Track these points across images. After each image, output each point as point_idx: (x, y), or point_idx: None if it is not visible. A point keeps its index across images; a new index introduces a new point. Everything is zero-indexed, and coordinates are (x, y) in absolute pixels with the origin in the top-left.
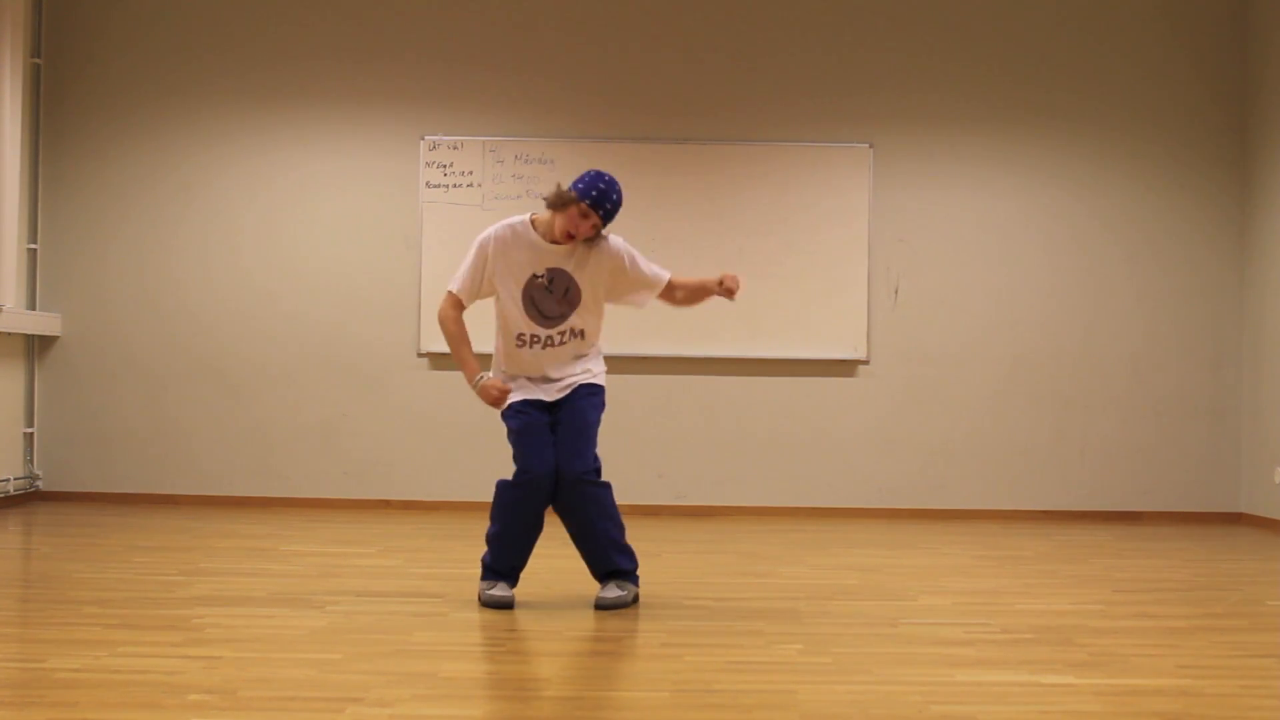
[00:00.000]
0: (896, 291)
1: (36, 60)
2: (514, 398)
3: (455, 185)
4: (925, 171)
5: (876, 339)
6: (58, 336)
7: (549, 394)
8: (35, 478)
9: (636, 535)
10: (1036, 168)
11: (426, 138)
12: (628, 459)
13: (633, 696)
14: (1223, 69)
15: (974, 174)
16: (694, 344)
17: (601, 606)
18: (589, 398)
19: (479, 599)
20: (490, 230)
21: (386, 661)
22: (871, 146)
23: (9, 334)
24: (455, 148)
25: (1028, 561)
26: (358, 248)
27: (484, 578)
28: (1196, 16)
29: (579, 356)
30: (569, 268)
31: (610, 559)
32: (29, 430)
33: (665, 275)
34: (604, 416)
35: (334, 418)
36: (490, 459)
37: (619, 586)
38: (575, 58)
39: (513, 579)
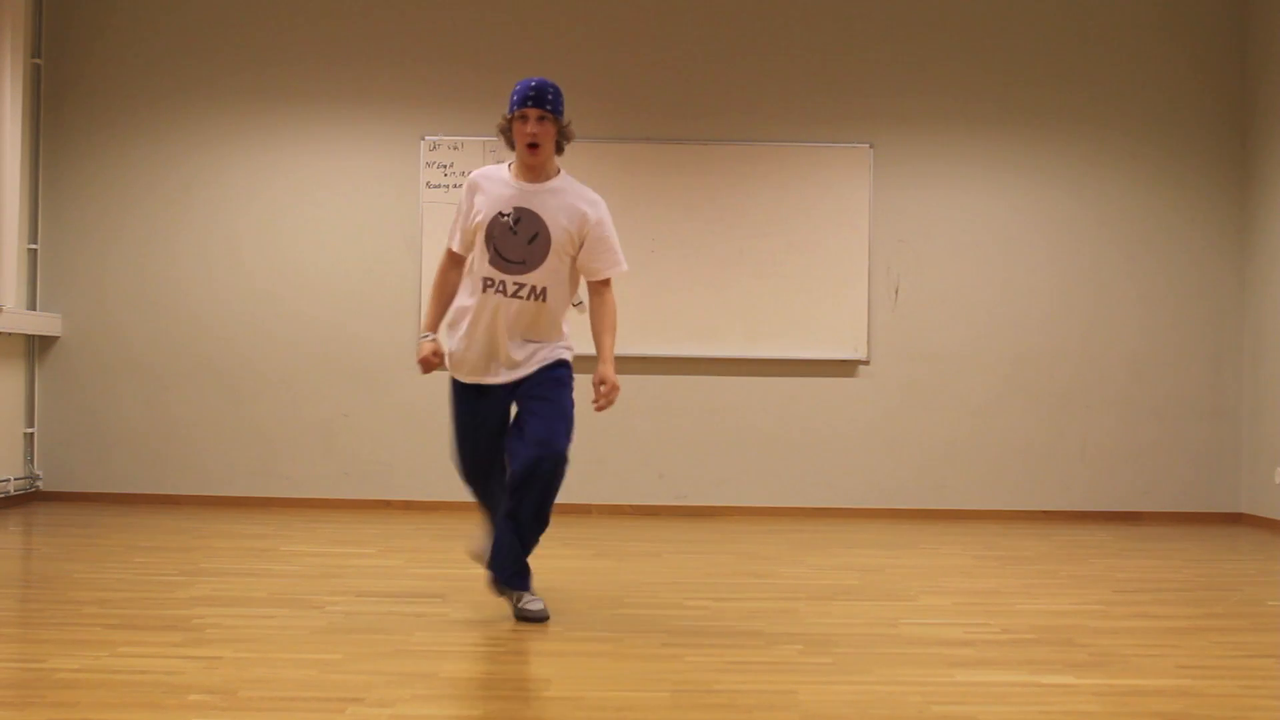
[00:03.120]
0: (897, 291)
1: (36, 60)
2: (453, 374)
3: (455, 185)
4: (925, 171)
5: (876, 339)
6: (58, 336)
7: (499, 375)
8: (35, 478)
9: (637, 535)
10: (1036, 168)
11: (426, 138)
12: (628, 459)
13: (633, 696)
14: (1223, 69)
15: (974, 174)
16: (694, 344)
17: (528, 618)
18: (559, 388)
19: (517, 614)
20: (474, 173)
21: (386, 661)
22: (871, 147)
23: (9, 334)
24: (455, 148)
25: (1028, 562)
26: (358, 248)
27: (513, 587)
28: (1196, 17)
29: (538, 341)
30: (539, 209)
31: (526, 554)
32: (29, 430)
33: (613, 271)
34: (604, 416)
35: (334, 418)
36: None
37: (534, 597)
38: (575, 58)
39: (520, 575)
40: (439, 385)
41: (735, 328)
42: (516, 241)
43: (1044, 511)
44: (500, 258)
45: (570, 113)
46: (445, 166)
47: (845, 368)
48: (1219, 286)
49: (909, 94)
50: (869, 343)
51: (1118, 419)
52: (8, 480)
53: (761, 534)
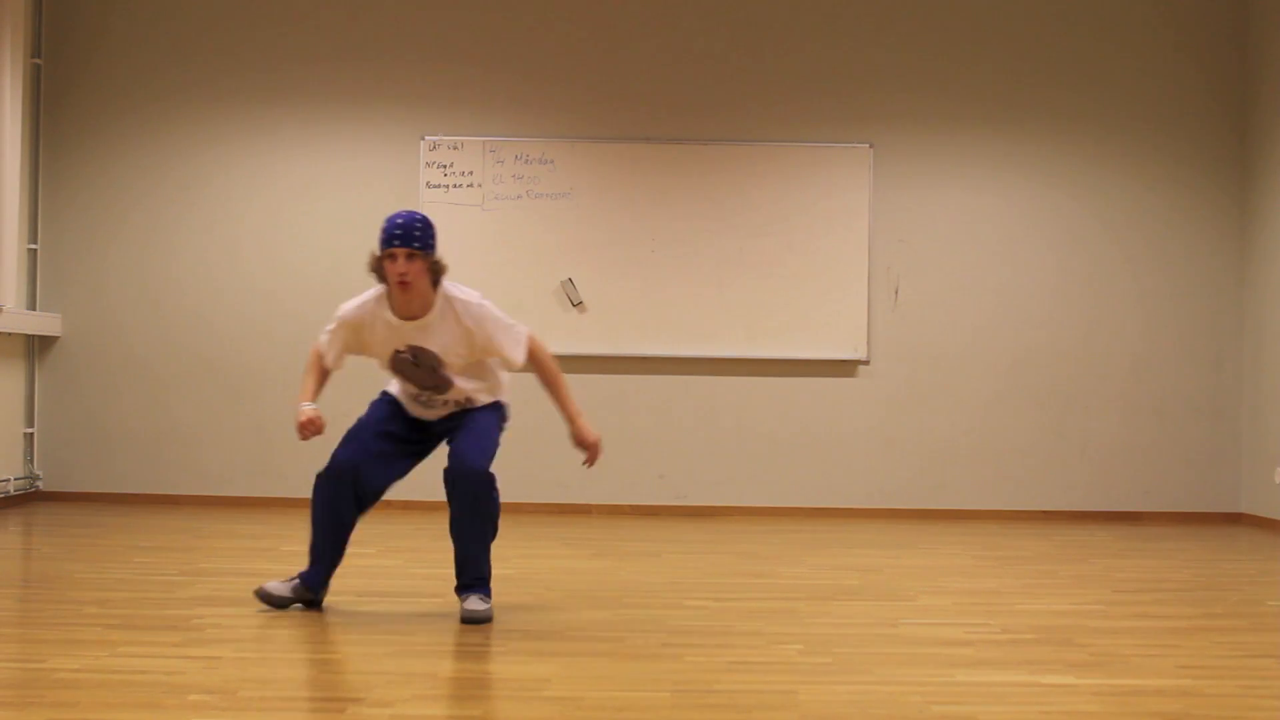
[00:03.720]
0: (897, 292)
1: (36, 60)
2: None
3: (455, 185)
4: (925, 171)
5: (876, 339)
6: (58, 336)
7: (430, 414)
8: (35, 478)
9: (637, 535)
10: (1036, 168)
11: (426, 138)
12: (628, 459)
13: (633, 696)
14: (1223, 69)
15: (974, 174)
16: (694, 344)
17: (470, 620)
18: (486, 416)
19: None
20: (346, 310)
21: (386, 661)
22: (871, 146)
23: (9, 334)
24: (455, 148)
25: (1028, 562)
26: (358, 248)
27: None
28: (1196, 16)
29: (465, 392)
30: (428, 343)
31: (480, 565)
32: (29, 430)
33: (518, 351)
34: (604, 416)
35: (334, 418)
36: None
37: (482, 600)
38: (575, 58)
39: (318, 577)
40: None
41: (735, 328)
42: (422, 374)
43: (1044, 511)
44: (414, 385)
45: (570, 112)
46: (445, 166)
47: (845, 368)
48: (1219, 286)
49: (909, 94)
50: (869, 343)
51: (1118, 419)
52: (8, 480)
53: (761, 534)
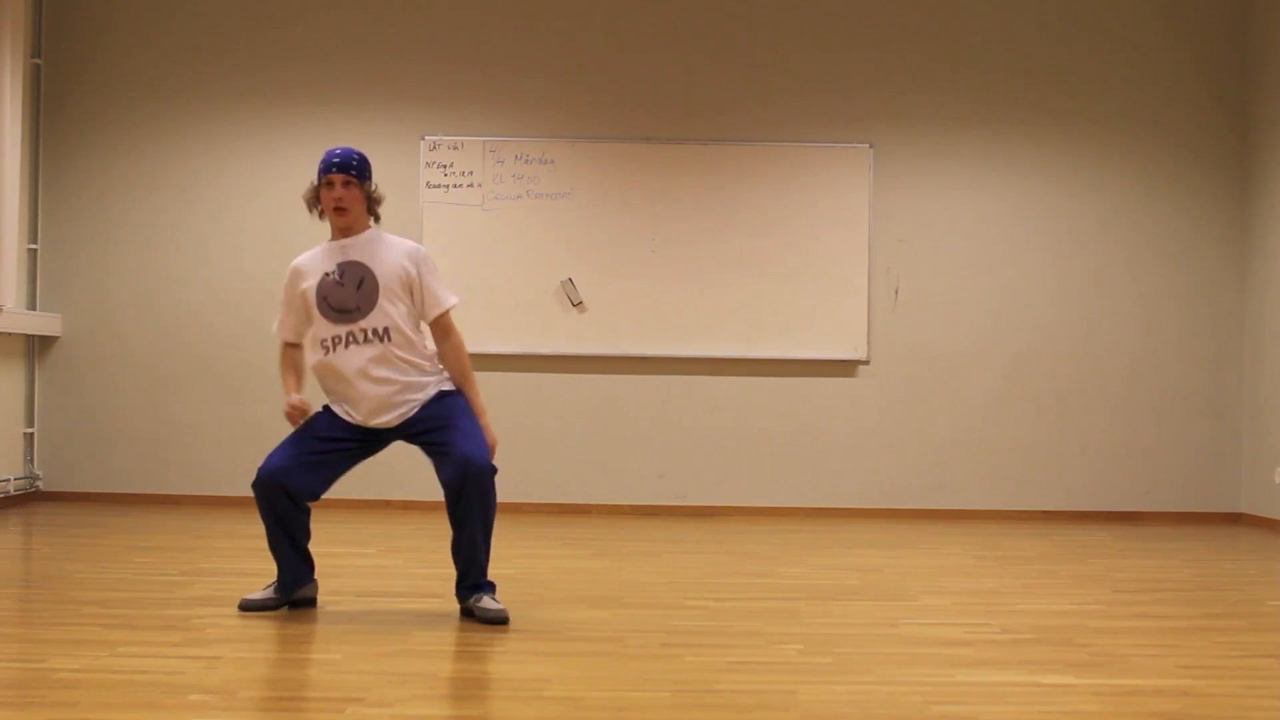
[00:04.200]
0: (897, 292)
1: (36, 60)
2: (330, 403)
3: (455, 185)
4: (925, 171)
5: (876, 339)
6: (58, 336)
7: (384, 418)
8: (35, 478)
9: (637, 535)
10: (1036, 168)
11: (426, 138)
12: (628, 459)
13: (633, 696)
14: (1223, 69)
15: (974, 174)
16: (694, 344)
17: (493, 620)
18: (460, 414)
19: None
20: (290, 266)
21: (386, 661)
22: (871, 146)
23: (9, 334)
24: (455, 148)
25: (1028, 561)
26: None
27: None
28: (1196, 16)
29: (398, 380)
30: (360, 257)
31: (486, 563)
32: (29, 430)
33: (440, 309)
34: (604, 416)
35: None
36: None
37: (494, 599)
38: (575, 58)
39: (289, 580)
40: None
41: (735, 328)
42: (345, 292)
43: (1044, 511)
44: (333, 310)
45: (570, 112)
46: (445, 166)
47: (845, 368)
48: (1219, 286)
49: (909, 94)
50: (869, 343)
51: (1118, 419)
52: (8, 480)
53: (761, 534)
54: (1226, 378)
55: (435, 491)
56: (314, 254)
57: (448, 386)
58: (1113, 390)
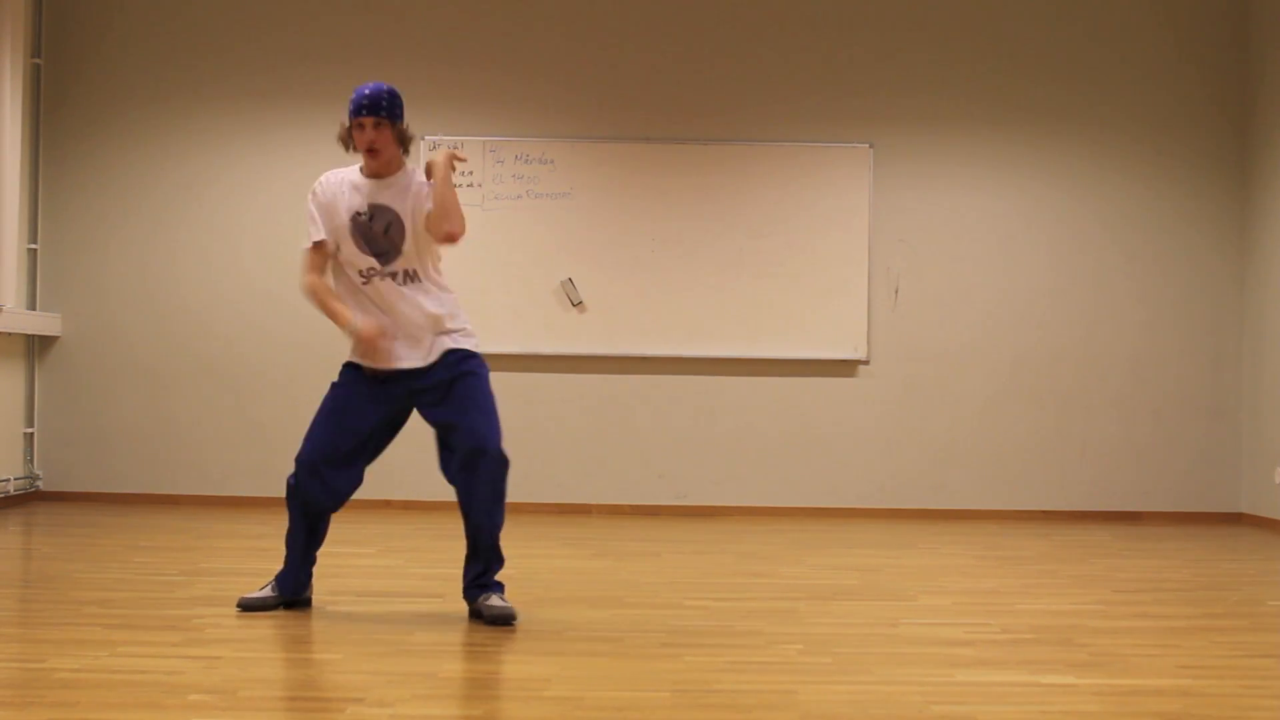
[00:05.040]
0: (897, 291)
1: (36, 60)
2: (351, 357)
3: (455, 185)
4: (925, 171)
5: (876, 339)
6: (58, 336)
7: (410, 357)
8: (35, 478)
9: (637, 535)
10: (1036, 168)
11: (427, 138)
12: (628, 459)
13: (633, 696)
14: (1223, 69)
15: (974, 174)
16: (694, 344)
17: (501, 619)
18: (474, 377)
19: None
20: (319, 181)
21: (386, 661)
22: (871, 146)
23: (9, 334)
24: (455, 148)
25: (1028, 561)
26: None
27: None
28: (1196, 16)
29: (432, 313)
30: (392, 203)
31: (497, 557)
32: (29, 430)
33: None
34: (604, 416)
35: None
36: None
37: (501, 597)
38: (575, 58)
39: (292, 580)
40: None
41: (735, 328)
42: (374, 235)
43: (1044, 511)
44: (370, 249)
45: (570, 112)
46: None
47: (845, 368)
48: (1219, 286)
49: (909, 94)
50: (869, 343)
51: (1118, 419)
52: (8, 480)
53: (761, 534)
54: (1226, 378)
55: (435, 491)
56: (347, 183)
57: (471, 344)
58: (1113, 390)
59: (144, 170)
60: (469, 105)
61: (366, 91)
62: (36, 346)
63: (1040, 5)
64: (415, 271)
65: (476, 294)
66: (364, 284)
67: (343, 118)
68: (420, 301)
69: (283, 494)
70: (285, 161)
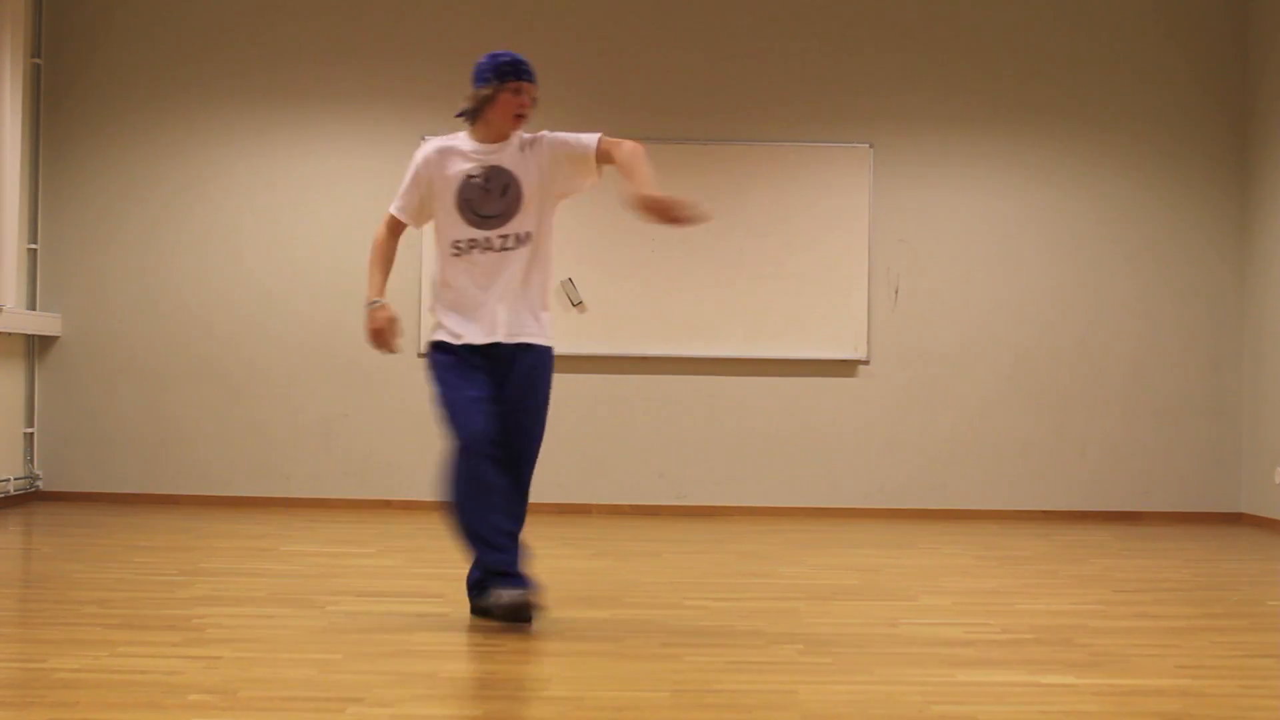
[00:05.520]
0: (897, 292)
1: (36, 60)
2: (440, 334)
3: None
4: (925, 171)
5: (876, 339)
6: (58, 336)
7: (489, 330)
8: (35, 478)
9: (637, 535)
10: (1036, 168)
11: (426, 137)
12: (628, 459)
13: (633, 696)
14: (1222, 69)
15: (974, 174)
16: (694, 344)
17: (509, 615)
18: (542, 378)
19: (492, 611)
20: (424, 146)
21: (386, 661)
22: (871, 146)
23: (9, 334)
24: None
25: (1028, 561)
26: (358, 248)
27: (490, 586)
28: (1196, 16)
29: (528, 289)
30: (505, 164)
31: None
32: (29, 430)
33: (592, 144)
34: (604, 416)
35: (334, 418)
36: None
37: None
38: (575, 58)
39: (513, 565)
40: None
41: (735, 328)
42: (490, 198)
43: (1044, 511)
44: (476, 215)
45: (571, 112)
46: None
47: (845, 368)
48: (1219, 287)
49: (909, 94)
50: (869, 343)
51: (1118, 419)
52: (8, 480)
53: (761, 534)
54: (1226, 378)
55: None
56: (452, 147)
57: (550, 344)
58: (1113, 390)
59: (144, 170)
60: None
61: (514, 57)
62: (36, 346)
63: (1040, 5)
64: (529, 235)
65: None
66: (457, 256)
67: (470, 87)
68: (530, 270)
69: (282, 494)
70: (285, 161)
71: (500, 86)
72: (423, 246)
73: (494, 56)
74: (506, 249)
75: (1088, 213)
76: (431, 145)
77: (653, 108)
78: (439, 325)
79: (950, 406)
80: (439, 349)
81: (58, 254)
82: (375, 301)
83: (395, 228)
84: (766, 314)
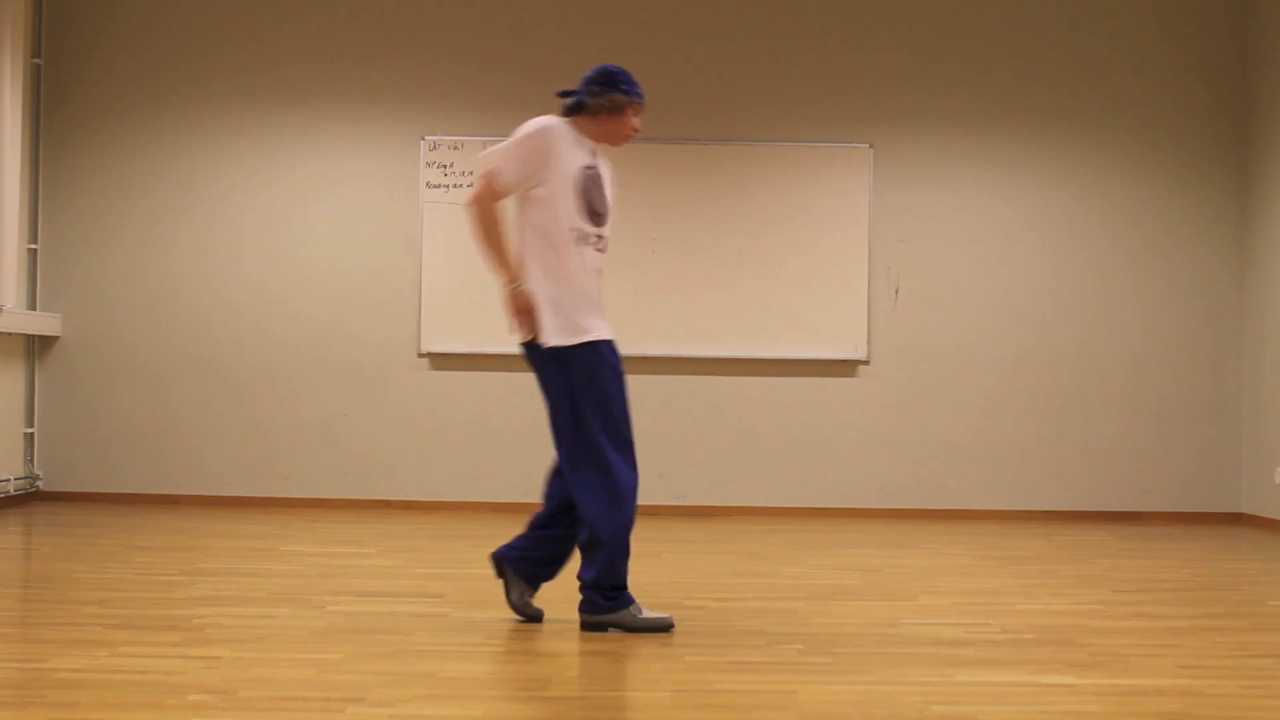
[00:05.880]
0: (897, 292)
1: (36, 60)
2: (601, 331)
3: (455, 185)
4: (925, 171)
5: (876, 339)
6: (58, 336)
7: (610, 330)
8: (35, 478)
9: (637, 535)
10: (1036, 168)
11: (426, 138)
12: None
13: (633, 696)
14: (1223, 69)
15: (974, 174)
16: (695, 344)
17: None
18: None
19: (631, 624)
20: (546, 120)
21: (386, 661)
22: (871, 146)
23: (9, 334)
24: (455, 148)
25: (1028, 561)
26: (358, 248)
27: (621, 601)
28: (1196, 16)
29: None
30: (604, 170)
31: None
32: (29, 430)
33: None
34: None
35: (334, 418)
36: (491, 459)
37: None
38: (575, 58)
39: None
40: (439, 384)
41: (735, 328)
42: (601, 195)
43: (1044, 511)
44: (593, 211)
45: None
46: (445, 166)
47: (845, 368)
48: (1219, 287)
49: (909, 94)
50: (869, 343)
51: (1118, 419)
52: (8, 480)
53: (761, 534)
54: (1226, 378)
55: (435, 491)
56: (570, 133)
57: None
58: (1113, 390)
59: (144, 170)
60: (469, 105)
61: (635, 80)
62: (36, 346)
63: (1040, 5)
64: (607, 243)
65: (476, 294)
66: (578, 244)
67: (608, 94)
68: (599, 285)
69: (282, 493)
70: (285, 161)
71: (632, 102)
72: (423, 247)
73: (621, 73)
74: (601, 251)
75: (1088, 213)
76: (556, 121)
77: (653, 108)
78: (578, 325)
79: (950, 406)
80: (610, 349)
81: (58, 254)
82: (517, 283)
83: (501, 195)
84: (766, 314)
